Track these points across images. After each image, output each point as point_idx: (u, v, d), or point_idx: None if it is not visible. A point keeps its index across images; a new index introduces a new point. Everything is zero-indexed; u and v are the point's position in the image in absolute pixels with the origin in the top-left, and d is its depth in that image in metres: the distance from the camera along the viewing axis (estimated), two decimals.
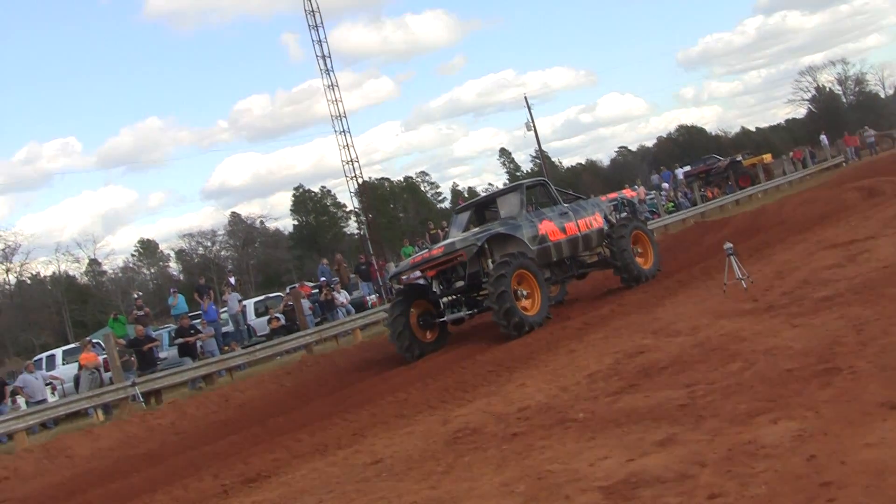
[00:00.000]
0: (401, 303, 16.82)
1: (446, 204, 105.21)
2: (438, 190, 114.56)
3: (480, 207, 19.36)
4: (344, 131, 35.29)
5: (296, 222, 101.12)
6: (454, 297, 16.69)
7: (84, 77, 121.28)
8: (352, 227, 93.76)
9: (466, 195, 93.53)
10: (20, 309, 71.90)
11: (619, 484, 5.45)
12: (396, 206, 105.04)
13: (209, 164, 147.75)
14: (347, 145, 35.31)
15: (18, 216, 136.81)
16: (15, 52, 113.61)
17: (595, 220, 18.29)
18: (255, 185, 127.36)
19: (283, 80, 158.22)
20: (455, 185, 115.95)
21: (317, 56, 35.26)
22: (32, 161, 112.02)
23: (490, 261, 16.05)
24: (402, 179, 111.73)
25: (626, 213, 19.12)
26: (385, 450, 8.52)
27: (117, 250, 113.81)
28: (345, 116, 35.36)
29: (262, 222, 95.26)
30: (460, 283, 16.47)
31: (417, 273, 17.46)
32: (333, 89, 35.21)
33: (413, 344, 16.52)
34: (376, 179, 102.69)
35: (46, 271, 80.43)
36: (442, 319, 16.78)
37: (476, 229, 17.49)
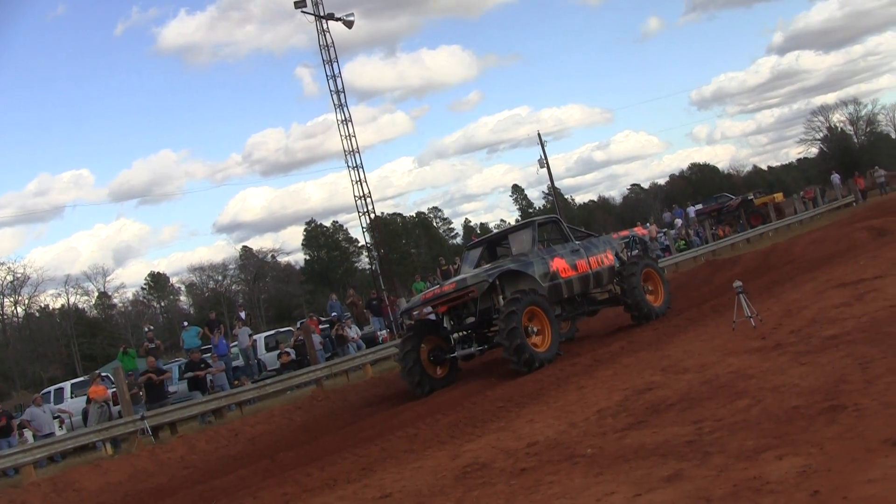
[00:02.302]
0: (412, 338, 16.88)
1: (458, 240, 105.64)
2: (451, 226, 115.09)
3: (492, 244, 19.38)
4: (357, 166, 35.39)
5: (307, 257, 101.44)
6: (465, 333, 16.72)
7: (98, 109, 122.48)
8: (363, 262, 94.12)
9: (479, 231, 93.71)
10: (28, 342, 72.09)
11: None
12: (408, 241, 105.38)
13: (222, 197, 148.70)
14: (360, 180, 35.41)
15: (29, 248, 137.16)
16: (28, 84, 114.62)
17: (606, 258, 18.39)
18: (268, 219, 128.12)
19: (298, 115, 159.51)
20: (467, 222, 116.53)
21: (331, 91, 35.48)
22: (44, 193, 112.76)
23: (501, 297, 16.14)
24: (414, 215, 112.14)
25: (637, 251, 19.17)
26: (394, 484, 8.56)
27: (127, 284, 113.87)
28: (358, 152, 35.47)
29: (273, 257, 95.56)
30: (471, 320, 16.49)
31: (429, 309, 17.53)
32: (347, 124, 35.35)
33: (423, 379, 16.59)
34: (389, 215, 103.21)
35: (56, 304, 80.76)
36: (452, 355, 16.82)
37: (487, 266, 17.58)
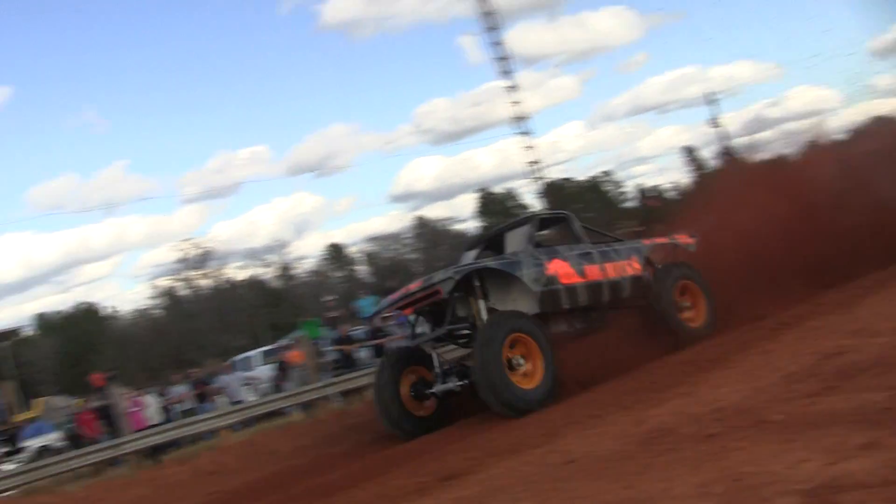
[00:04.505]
0: (387, 370, 13.95)
1: (631, 203, 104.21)
2: (623, 189, 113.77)
3: (490, 244, 15.96)
4: (526, 132, 35.38)
5: (482, 224, 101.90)
6: (446, 367, 14.00)
7: (269, 87, 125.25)
8: None
9: (652, 193, 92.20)
10: (216, 312, 74.94)
11: (820, 488, 5.32)
12: (581, 205, 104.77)
13: (393, 168, 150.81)
14: (530, 146, 35.37)
15: (212, 223, 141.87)
16: (204, 67, 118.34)
17: (630, 266, 15.26)
18: (440, 187, 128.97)
19: (464, 83, 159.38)
20: (640, 185, 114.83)
21: (494, 58, 35.50)
22: (224, 170, 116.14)
23: (482, 302, 13.40)
24: (586, 179, 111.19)
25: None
26: (579, 449, 8.58)
27: (307, 255, 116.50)
28: (526, 117, 35.45)
29: (447, 225, 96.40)
30: (441, 330, 13.52)
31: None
32: (513, 91, 35.33)
33: (402, 418, 13.82)
34: (560, 179, 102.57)
35: (240, 276, 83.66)
36: (431, 391, 13.86)
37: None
